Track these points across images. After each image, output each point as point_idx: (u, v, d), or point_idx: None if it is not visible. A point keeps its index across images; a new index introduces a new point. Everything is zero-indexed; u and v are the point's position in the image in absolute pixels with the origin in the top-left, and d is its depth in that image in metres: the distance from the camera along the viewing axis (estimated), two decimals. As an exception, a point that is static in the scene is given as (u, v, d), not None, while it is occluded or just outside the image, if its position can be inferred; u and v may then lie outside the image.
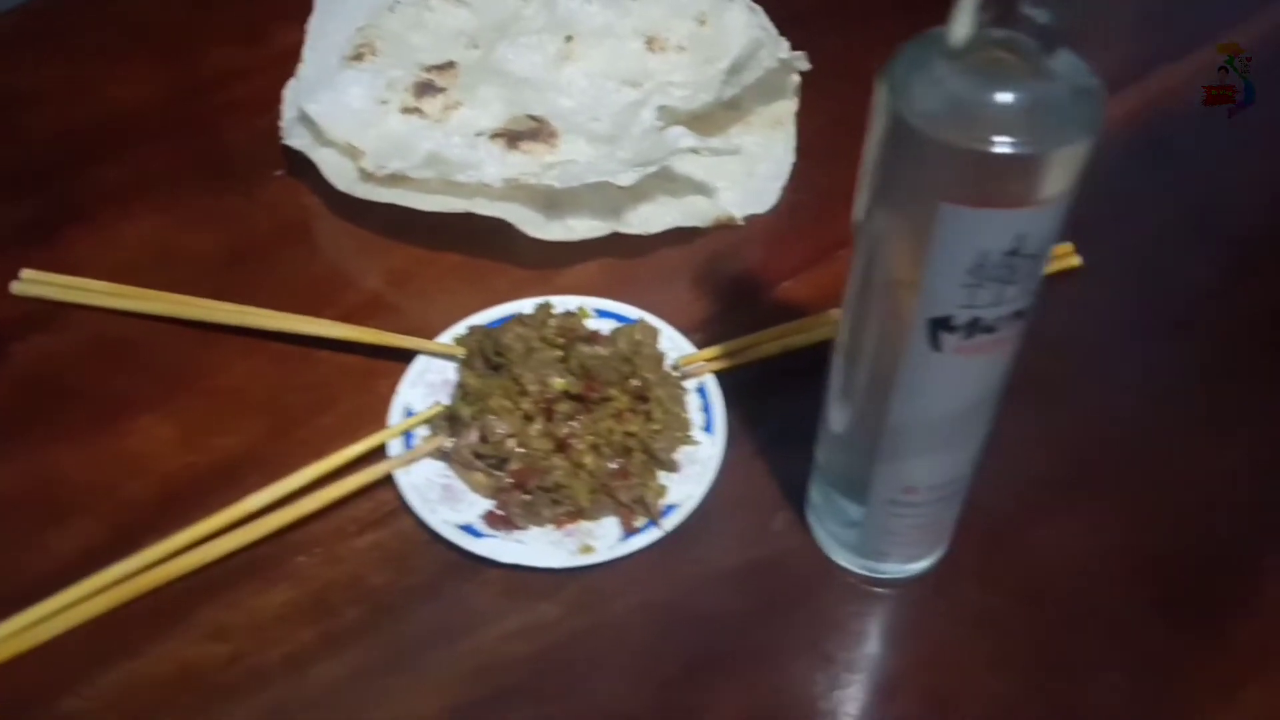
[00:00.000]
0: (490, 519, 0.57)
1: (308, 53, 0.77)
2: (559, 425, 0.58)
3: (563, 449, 0.58)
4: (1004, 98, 0.39)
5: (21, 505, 0.58)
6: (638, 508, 0.57)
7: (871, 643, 0.55)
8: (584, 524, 0.57)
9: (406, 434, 0.60)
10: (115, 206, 0.72)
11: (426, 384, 0.62)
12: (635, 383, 0.59)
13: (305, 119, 0.71)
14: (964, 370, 0.45)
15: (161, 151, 0.76)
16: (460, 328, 0.64)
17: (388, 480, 0.58)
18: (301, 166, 0.72)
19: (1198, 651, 0.54)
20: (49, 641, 0.53)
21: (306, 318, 0.64)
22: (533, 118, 0.71)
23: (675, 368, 0.62)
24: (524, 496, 0.57)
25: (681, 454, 0.59)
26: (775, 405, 0.61)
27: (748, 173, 0.75)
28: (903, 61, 0.41)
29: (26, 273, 0.67)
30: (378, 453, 0.59)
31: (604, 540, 0.56)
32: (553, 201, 0.69)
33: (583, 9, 0.78)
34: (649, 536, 0.56)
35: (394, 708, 0.52)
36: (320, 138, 0.71)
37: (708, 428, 0.60)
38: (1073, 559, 0.57)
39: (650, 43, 0.78)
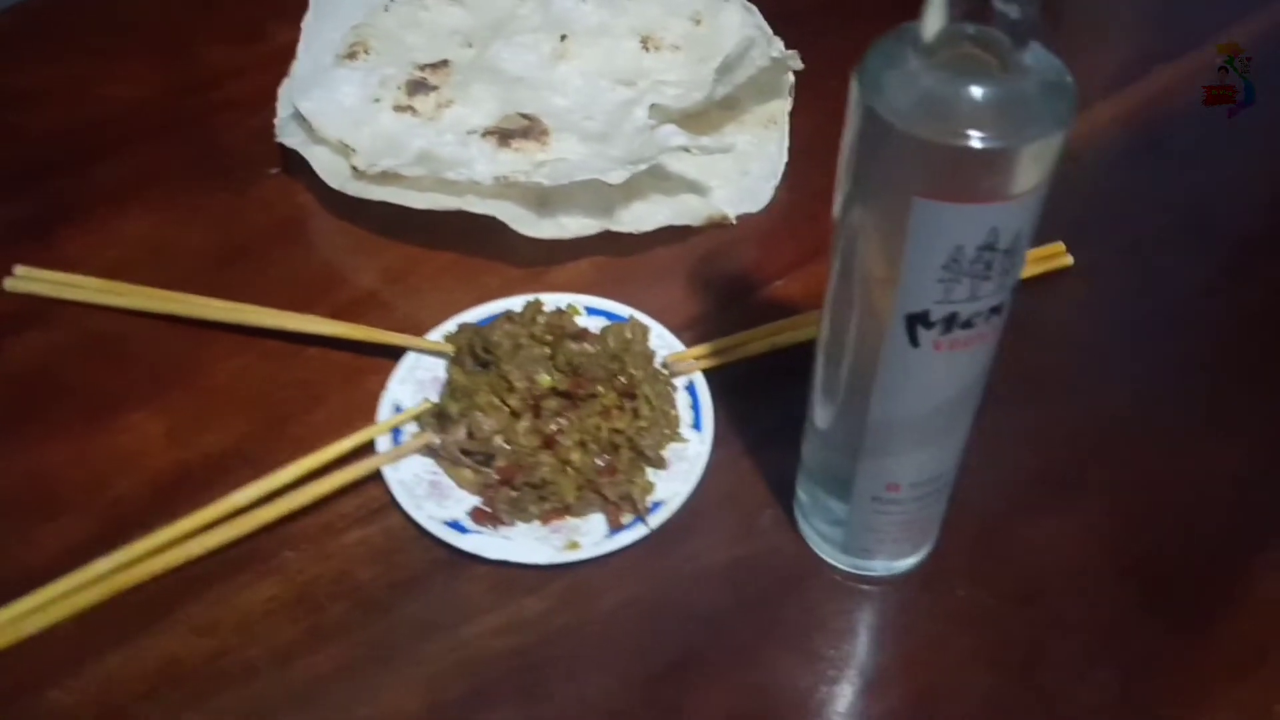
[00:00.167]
0: (477, 515, 0.57)
1: (302, 51, 0.78)
2: (546, 422, 0.58)
3: (550, 446, 0.58)
4: (975, 92, 0.39)
5: (11, 500, 0.59)
6: (624, 504, 0.57)
7: (858, 640, 0.55)
8: (571, 520, 0.57)
9: (395, 430, 0.60)
10: (109, 204, 0.73)
11: (416, 381, 0.62)
12: (623, 380, 0.60)
13: (299, 117, 0.72)
14: (942, 366, 0.45)
15: (156, 149, 0.76)
16: (450, 325, 0.64)
17: (376, 476, 0.58)
18: (296, 165, 0.72)
19: (1186, 650, 0.54)
20: (36, 635, 0.53)
21: (297, 314, 0.64)
22: (525, 116, 0.71)
23: (664, 365, 0.62)
24: (511, 493, 0.57)
25: (670, 451, 0.59)
26: (764, 403, 0.61)
27: (741, 171, 0.75)
28: (876, 57, 0.41)
29: (20, 269, 0.67)
30: (366, 449, 0.59)
31: (590, 537, 0.56)
32: (544, 199, 0.69)
33: (578, 8, 0.78)
34: (635, 533, 0.56)
35: (378, 702, 0.52)
36: (313, 135, 0.71)
37: (696, 425, 0.60)
38: (1062, 557, 0.57)
39: (645, 42, 0.78)
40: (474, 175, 0.67)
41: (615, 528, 0.56)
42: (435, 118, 0.71)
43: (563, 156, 0.69)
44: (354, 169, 0.69)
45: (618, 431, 0.58)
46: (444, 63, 0.75)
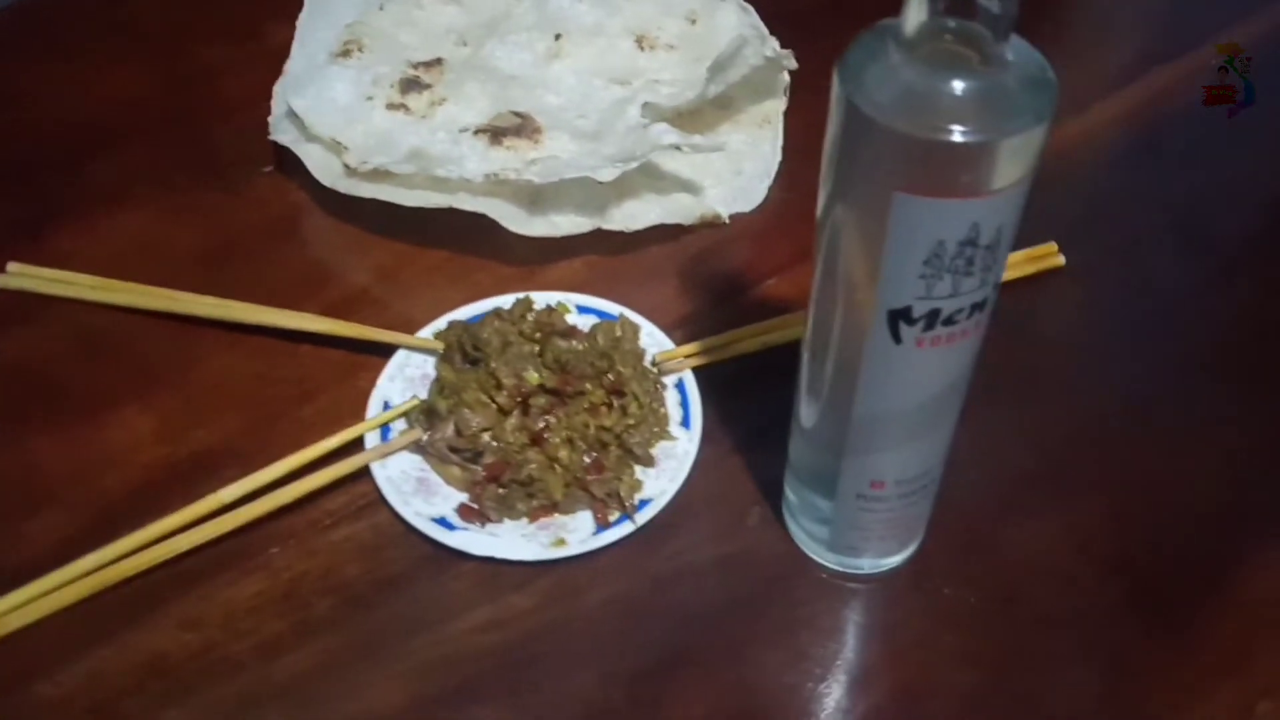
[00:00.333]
0: (464, 512, 0.57)
1: (297, 49, 0.78)
2: (534, 419, 0.59)
3: (537, 443, 0.58)
4: (956, 86, 0.39)
5: (0, 495, 0.59)
6: (611, 502, 0.57)
7: (844, 637, 0.55)
8: (558, 518, 0.57)
9: (384, 427, 0.60)
10: (103, 201, 0.73)
11: (406, 378, 0.62)
12: (611, 378, 0.60)
13: (292, 115, 0.72)
14: (925, 363, 0.45)
15: (150, 147, 0.77)
16: (441, 323, 0.64)
17: (364, 473, 0.58)
18: (291, 163, 0.72)
19: (1169, 650, 0.54)
20: (23, 629, 0.53)
21: (288, 311, 0.65)
22: (517, 114, 0.71)
23: (654, 364, 0.62)
24: (498, 490, 0.57)
25: (658, 449, 0.59)
26: (754, 401, 0.61)
27: (735, 171, 0.75)
28: (857, 52, 0.41)
29: (13, 266, 0.67)
30: (355, 446, 0.59)
31: (577, 534, 0.56)
32: (536, 197, 0.69)
33: (573, 7, 0.78)
34: (622, 530, 0.56)
35: (363, 698, 0.52)
36: (306, 133, 0.71)
37: (685, 423, 0.60)
38: (1047, 556, 0.57)
39: (640, 41, 0.78)
40: (465, 173, 0.67)
41: (602, 525, 0.56)
42: (428, 116, 0.72)
43: (554, 154, 0.69)
44: (346, 167, 0.69)
45: (605, 429, 0.58)
46: (438, 61, 0.75)
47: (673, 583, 0.56)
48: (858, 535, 0.53)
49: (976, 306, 0.44)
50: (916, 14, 0.39)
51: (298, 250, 0.71)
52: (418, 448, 0.59)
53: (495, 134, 0.69)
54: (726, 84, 0.74)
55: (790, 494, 0.56)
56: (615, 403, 0.59)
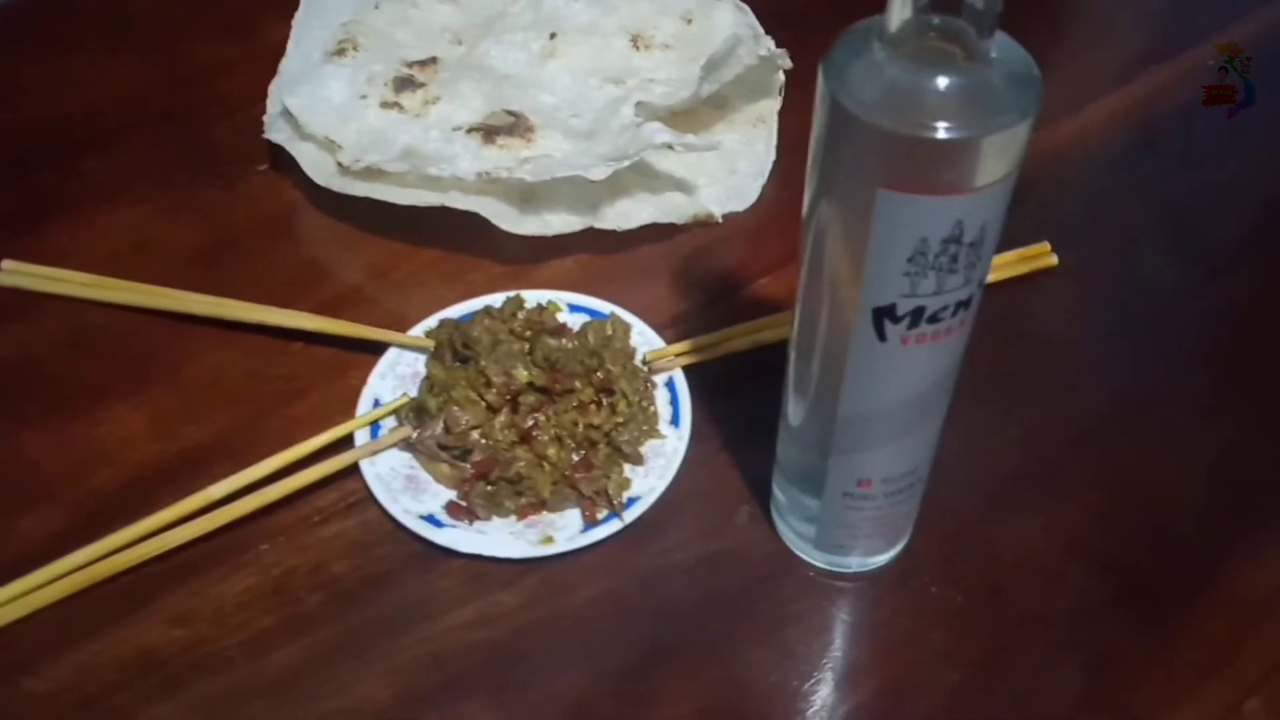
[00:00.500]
0: (452, 509, 0.57)
1: (292, 48, 0.78)
2: (523, 417, 0.59)
3: (526, 441, 0.58)
4: (939, 82, 0.39)
5: (-8, 490, 0.59)
6: (599, 499, 0.57)
7: (831, 636, 0.55)
8: (546, 515, 0.57)
9: (374, 425, 0.60)
10: (97, 199, 0.73)
11: (397, 376, 0.62)
12: (600, 376, 0.60)
13: (287, 114, 0.72)
14: (910, 361, 0.45)
15: (145, 145, 0.77)
16: (433, 321, 0.64)
17: (354, 470, 0.58)
18: (285, 162, 0.72)
19: (1157, 648, 0.54)
20: (13, 623, 0.54)
21: (280, 309, 0.65)
22: (511, 113, 0.71)
23: (645, 362, 0.62)
24: (486, 487, 0.57)
25: (647, 447, 0.59)
26: (745, 400, 0.61)
27: (729, 170, 0.75)
28: (841, 49, 0.41)
29: (7, 263, 0.67)
30: (345, 443, 0.59)
31: (565, 532, 0.56)
32: (528, 196, 0.69)
33: (568, 6, 0.79)
34: (610, 528, 0.56)
35: (350, 693, 0.52)
36: (300, 132, 0.71)
37: (675, 422, 0.60)
38: (1035, 555, 0.57)
39: (635, 40, 0.78)
40: (457, 171, 0.67)
41: (590, 523, 0.56)
42: (421, 114, 0.72)
43: (547, 153, 0.69)
44: (340, 165, 0.69)
45: (594, 427, 0.58)
46: (432, 60, 0.75)
47: (660, 581, 0.56)
48: (845, 534, 0.53)
49: (961, 304, 0.43)
50: (901, 11, 0.39)
51: (291, 248, 0.71)
52: (407, 445, 0.59)
53: (488, 133, 0.70)
54: (720, 83, 0.74)
55: (778, 493, 0.56)
56: (604, 401, 0.60)
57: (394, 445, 0.59)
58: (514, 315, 0.62)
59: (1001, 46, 0.40)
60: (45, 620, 0.54)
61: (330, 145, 0.70)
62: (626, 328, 0.63)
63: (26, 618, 0.54)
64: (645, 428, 0.60)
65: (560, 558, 0.56)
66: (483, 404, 0.59)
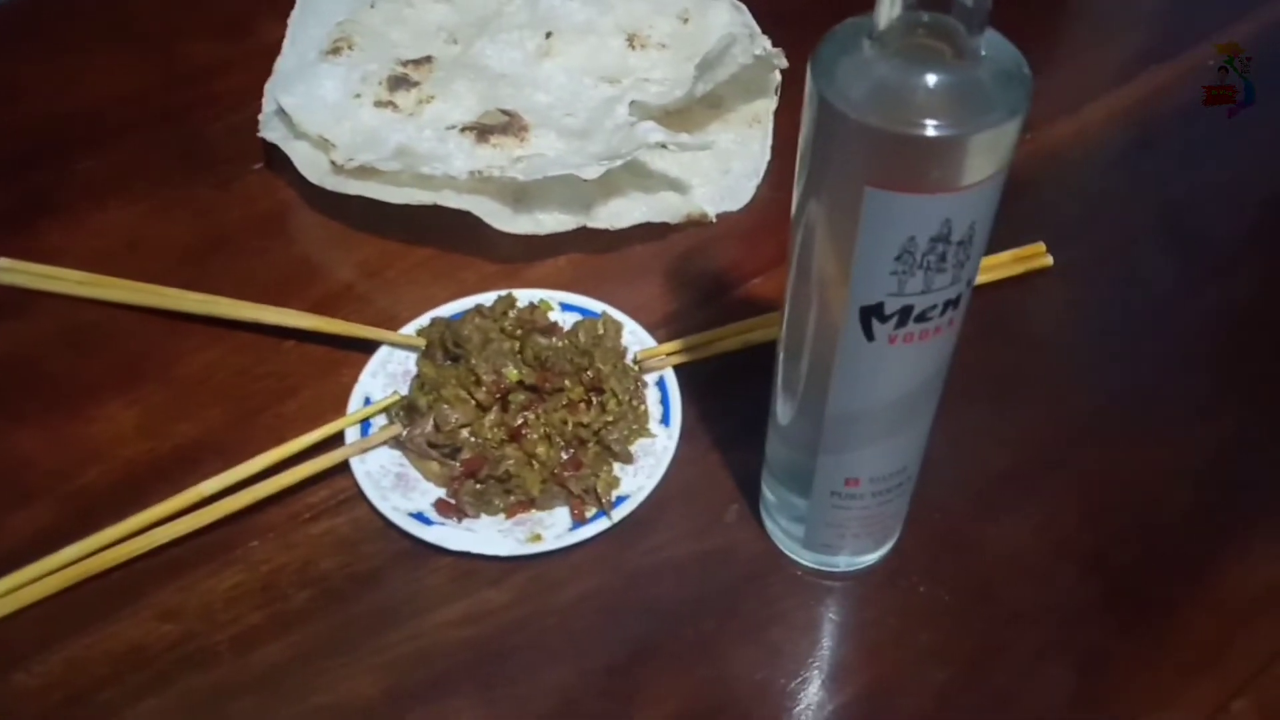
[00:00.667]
0: (441, 507, 0.57)
1: (288, 47, 0.78)
2: (513, 415, 0.59)
3: (515, 439, 0.58)
4: (928, 80, 0.39)
5: (-16, 487, 0.59)
6: (588, 498, 0.57)
7: (818, 634, 0.54)
8: (535, 513, 0.57)
9: (364, 423, 0.60)
10: (92, 197, 0.73)
11: (388, 374, 0.63)
12: (590, 375, 0.60)
13: (282, 113, 0.72)
14: (898, 360, 0.45)
15: (140, 144, 0.77)
16: (425, 320, 0.64)
17: (344, 468, 0.59)
18: (280, 161, 0.73)
19: (1145, 648, 0.54)
20: (3, 619, 0.54)
21: (272, 307, 0.65)
22: (505, 112, 0.71)
23: (636, 361, 0.62)
24: (475, 485, 0.57)
25: (637, 446, 0.59)
26: (735, 399, 0.61)
27: (723, 170, 0.75)
28: (829, 46, 0.41)
29: (1, 261, 0.67)
30: (335, 441, 0.59)
31: (553, 530, 0.56)
32: (521, 195, 0.69)
33: (564, 5, 0.79)
34: (598, 526, 0.56)
35: (337, 690, 0.52)
36: (295, 131, 0.72)
37: (665, 421, 0.60)
38: (1024, 554, 0.57)
39: (631, 40, 0.78)
40: (450, 170, 0.67)
41: (579, 521, 0.56)
42: (415, 113, 0.72)
43: (540, 152, 0.69)
44: (333, 164, 0.69)
45: (583, 426, 0.59)
46: (427, 59, 0.75)
47: (648, 579, 0.56)
48: (833, 533, 0.53)
49: (950, 304, 0.43)
50: (890, 8, 0.39)
51: (284, 247, 0.71)
52: (397, 443, 0.59)
53: (482, 132, 0.70)
54: (715, 82, 0.74)
55: (767, 492, 0.56)
56: (594, 399, 0.60)
57: (384, 443, 0.59)
58: (505, 314, 0.62)
59: (991, 44, 0.40)
60: (36, 615, 0.54)
61: (324, 144, 0.70)
62: (618, 327, 0.63)
63: (17, 613, 0.54)
64: (635, 426, 0.60)
65: (548, 556, 0.56)
66: (473, 402, 0.59)
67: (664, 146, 0.69)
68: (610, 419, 0.59)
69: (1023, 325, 0.67)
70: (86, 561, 0.55)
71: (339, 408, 0.61)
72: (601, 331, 0.62)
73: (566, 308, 0.65)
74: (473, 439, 0.58)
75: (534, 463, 0.57)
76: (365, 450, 0.59)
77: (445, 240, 0.70)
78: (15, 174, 0.75)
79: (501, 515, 0.57)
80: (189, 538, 0.56)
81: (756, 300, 0.68)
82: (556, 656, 0.53)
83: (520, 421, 0.58)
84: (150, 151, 0.76)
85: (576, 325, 0.62)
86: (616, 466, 0.59)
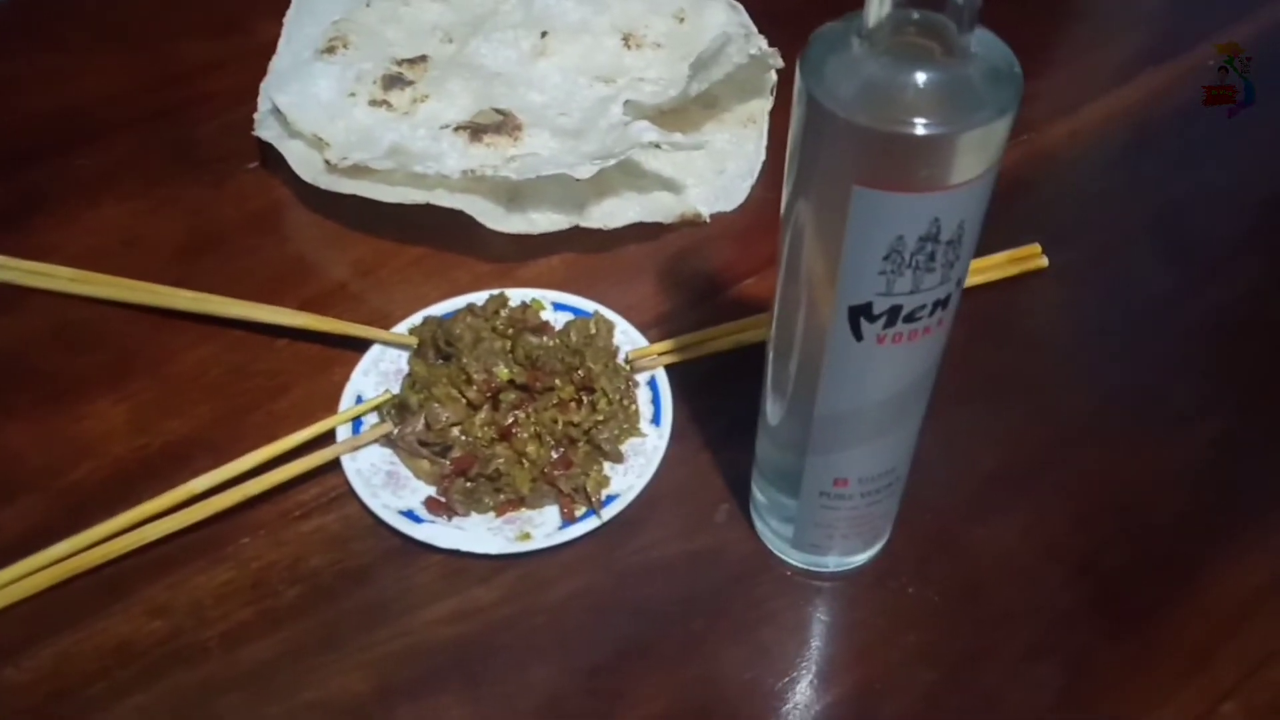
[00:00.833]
0: (431, 505, 0.57)
1: (283, 46, 0.78)
2: (503, 414, 0.59)
3: (506, 437, 0.58)
4: (917, 78, 0.39)
5: (-26, 483, 0.59)
6: (578, 497, 0.57)
7: (806, 635, 0.54)
8: (525, 512, 0.57)
9: (355, 421, 0.60)
10: (86, 195, 0.73)
11: (380, 373, 0.63)
12: (581, 374, 0.60)
13: (277, 111, 0.72)
14: (887, 360, 0.45)
15: (133, 142, 0.77)
16: (417, 318, 0.64)
17: (335, 466, 0.59)
18: (275, 160, 0.73)
19: (1133, 652, 0.54)
20: (-9, 614, 0.54)
21: (264, 305, 0.65)
22: (499, 111, 0.71)
23: (627, 361, 0.62)
24: (466, 484, 0.57)
25: (628, 446, 0.59)
26: (726, 400, 0.61)
27: (717, 170, 0.75)
28: (818, 45, 0.41)
29: (-7, 258, 0.68)
30: (326, 439, 0.59)
31: (543, 528, 0.56)
32: (514, 194, 0.69)
33: (559, 5, 0.79)
34: (587, 525, 0.56)
35: (326, 686, 0.52)
36: (289, 129, 0.72)
37: (656, 420, 0.60)
38: (1014, 556, 0.57)
39: (627, 39, 0.78)
40: (443, 169, 0.67)
41: (568, 520, 0.56)
42: (410, 112, 0.72)
43: (534, 151, 0.69)
44: (327, 163, 0.69)
45: (574, 425, 0.59)
46: (422, 58, 0.75)
47: (637, 578, 0.56)
48: (822, 533, 0.53)
49: (939, 304, 0.43)
50: (879, 6, 0.39)
51: (277, 245, 0.71)
52: (388, 441, 0.59)
53: (475, 131, 0.70)
54: (709, 82, 0.74)
55: (757, 492, 0.56)
56: (584, 399, 0.60)
57: (375, 441, 0.59)
58: (496, 313, 0.62)
59: (982, 42, 0.39)
60: (25, 611, 0.54)
61: (318, 143, 0.70)
62: (610, 326, 0.63)
63: (6, 609, 0.54)
64: (625, 426, 0.60)
65: (538, 554, 0.56)
66: (463, 401, 0.59)
67: (658, 146, 0.69)
68: (601, 418, 0.59)
69: (1016, 327, 0.67)
70: (76, 558, 0.55)
71: (330, 406, 0.61)
72: (593, 331, 0.62)
73: (559, 307, 0.65)
74: (463, 437, 0.58)
75: (524, 461, 0.57)
76: (356, 448, 0.59)
77: (438, 239, 0.70)
78: (8, 171, 0.75)
79: (491, 514, 0.57)
80: (179, 534, 0.56)
81: (749, 301, 0.68)
82: (544, 655, 0.53)
83: (511, 420, 0.58)
84: (144, 149, 0.77)
85: (568, 325, 0.62)
86: (606, 466, 0.59)
